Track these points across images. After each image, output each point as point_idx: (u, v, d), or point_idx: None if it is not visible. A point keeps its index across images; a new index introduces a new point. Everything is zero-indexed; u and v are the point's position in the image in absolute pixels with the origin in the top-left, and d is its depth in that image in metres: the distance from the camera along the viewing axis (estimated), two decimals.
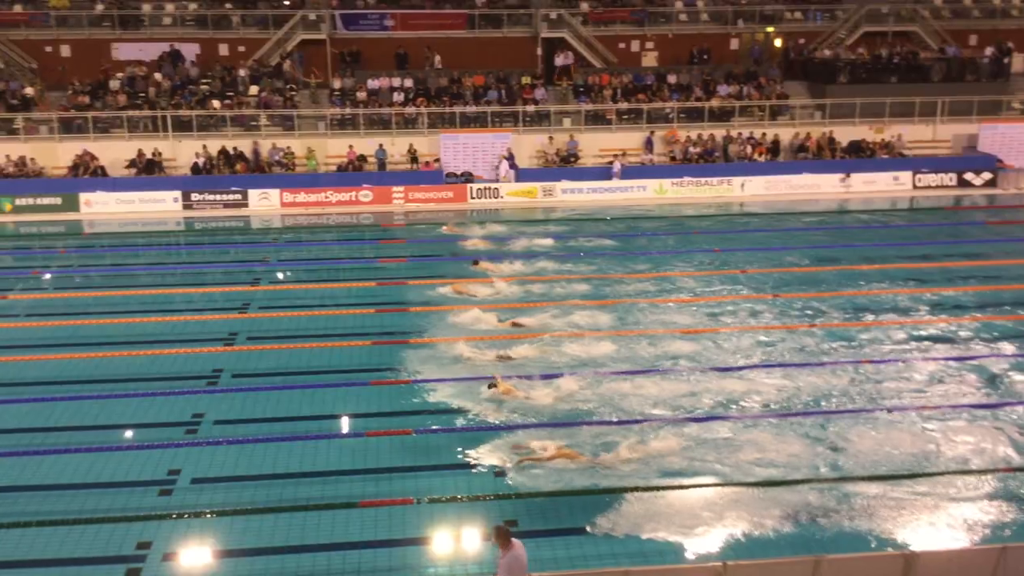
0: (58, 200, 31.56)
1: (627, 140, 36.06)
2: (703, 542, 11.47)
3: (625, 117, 36.76)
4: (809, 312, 20.39)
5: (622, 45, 40.05)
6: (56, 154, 33.59)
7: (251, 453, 14.01)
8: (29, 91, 34.89)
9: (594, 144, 35.94)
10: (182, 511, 12.38)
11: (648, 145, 35.82)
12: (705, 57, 40.09)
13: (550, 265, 24.30)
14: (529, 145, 35.86)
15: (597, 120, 36.61)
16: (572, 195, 33.67)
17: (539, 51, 38.99)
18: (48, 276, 24.71)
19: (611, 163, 34.59)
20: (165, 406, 15.74)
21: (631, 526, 11.78)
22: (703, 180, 34.36)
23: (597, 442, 14.00)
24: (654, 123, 36.53)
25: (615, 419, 14.85)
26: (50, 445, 14.22)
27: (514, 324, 19.26)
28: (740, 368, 17.06)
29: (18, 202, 31.41)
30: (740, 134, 36.36)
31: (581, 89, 37.55)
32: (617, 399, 15.60)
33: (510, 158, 34.18)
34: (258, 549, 11.52)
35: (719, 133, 36.34)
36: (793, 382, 16.34)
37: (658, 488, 12.69)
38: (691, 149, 35.83)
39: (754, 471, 13.21)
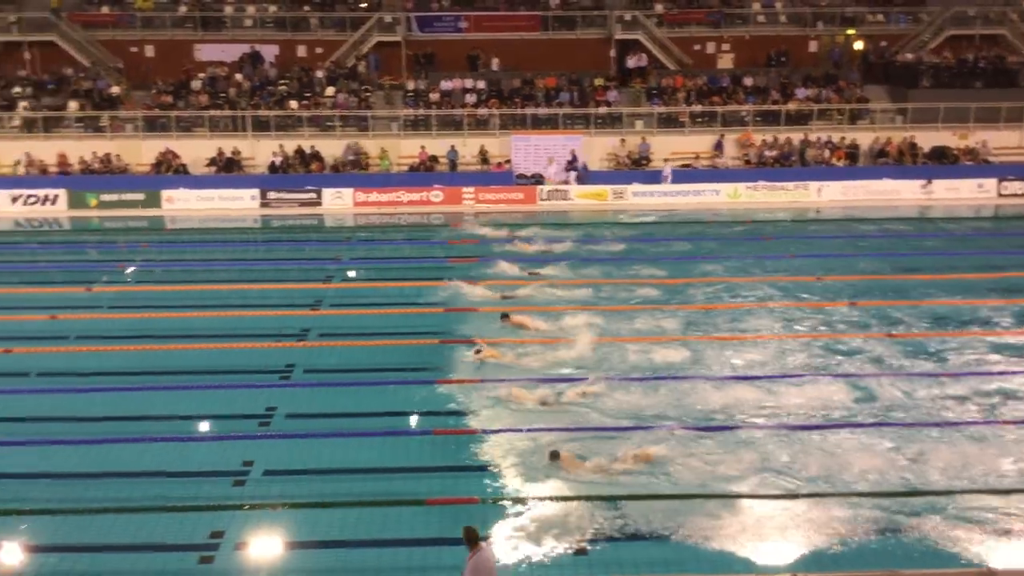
0: (141, 196, 32.56)
1: (700, 143, 35.68)
2: (775, 553, 11.23)
3: (699, 120, 36.36)
4: (887, 321, 19.84)
5: (697, 47, 39.62)
6: (140, 152, 34.65)
7: (320, 447, 14.21)
8: (115, 90, 36.05)
9: (666, 147, 35.61)
10: (254, 502, 12.61)
11: (718, 148, 35.34)
12: (783, 59, 39.39)
13: (614, 269, 24.13)
14: (600, 147, 35.72)
15: (670, 123, 36.29)
16: (643, 198, 33.44)
17: (612, 53, 38.80)
18: (131, 270, 25.48)
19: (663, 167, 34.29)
20: (240, 398, 16.07)
21: (711, 533, 11.59)
22: (778, 184, 33.79)
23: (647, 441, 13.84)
24: (728, 126, 36.08)
25: (693, 424, 14.66)
26: (130, 433, 14.63)
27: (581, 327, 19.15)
28: (812, 376, 16.67)
29: (103, 198, 32.49)
30: (818, 138, 35.64)
31: (654, 91, 37.24)
32: (689, 404, 15.41)
33: (573, 159, 34.02)
34: (326, 542, 11.66)
35: (796, 137, 35.66)
36: (868, 393, 15.90)
37: (736, 496, 12.48)
38: (766, 153, 35.25)
39: (828, 482, 12.89)
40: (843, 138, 35.72)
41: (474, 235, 28.55)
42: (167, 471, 13.48)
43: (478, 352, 16.35)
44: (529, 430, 14.43)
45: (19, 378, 17.07)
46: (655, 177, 34.24)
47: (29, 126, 34.98)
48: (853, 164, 35.46)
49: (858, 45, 40.38)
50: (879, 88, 38.44)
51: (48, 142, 34.54)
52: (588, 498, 12.47)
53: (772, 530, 11.72)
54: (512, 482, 13.02)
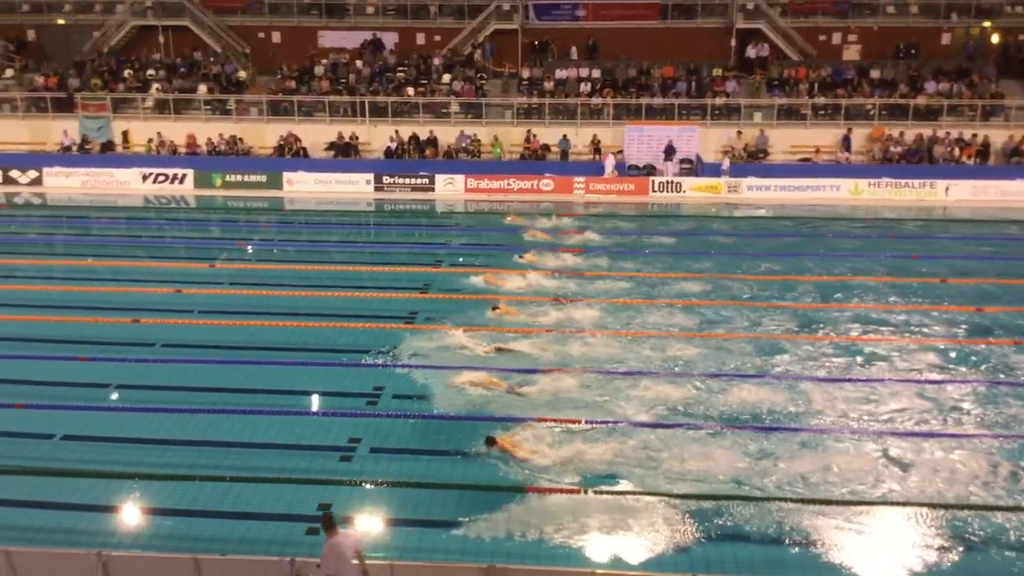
0: (263, 178, 33.71)
1: (822, 136, 34.54)
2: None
3: (821, 113, 35.17)
4: (1015, 329, 18.80)
5: (822, 37, 38.30)
6: (264, 135, 35.86)
7: (425, 428, 14.41)
8: (242, 75, 37.35)
9: (785, 140, 34.63)
10: (360, 478, 12.90)
11: (845, 143, 34.12)
12: (912, 52, 37.70)
13: (728, 262, 23.67)
14: (716, 139, 35.00)
15: (790, 115, 35.26)
16: (759, 192, 32.61)
17: (733, 42, 37.90)
18: (251, 248, 26.41)
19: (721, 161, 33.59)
20: (348, 377, 16.45)
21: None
22: (903, 182, 32.44)
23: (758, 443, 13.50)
24: (853, 120, 34.78)
25: (806, 426, 14.28)
26: (244, 405, 15.19)
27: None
28: (934, 382, 15.96)
29: (227, 178, 33.78)
30: (947, 134, 34.02)
31: (775, 82, 36.22)
32: (797, 404, 15.00)
33: (673, 152, 33.33)
34: (426, 521, 11.83)
35: (924, 132, 34.12)
36: (995, 402, 15.13)
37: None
38: (892, 148, 33.85)
39: (949, 491, 12.35)
40: (974, 135, 33.98)
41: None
42: (279, 444, 13.93)
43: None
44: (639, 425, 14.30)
45: (145, 348, 17.93)
46: (769, 171, 33.36)
47: (161, 108, 36.62)
48: (984, 163, 33.70)
49: (995, 38, 38.27)
50: (1016, 83, 36.37)
51: (178, 123, 36.10)
52: (690, 497, 12.27)
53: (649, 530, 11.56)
54: (619, 473, 12.93)
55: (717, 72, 36.86)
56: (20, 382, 16.07)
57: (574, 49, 38.43)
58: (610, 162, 33.68)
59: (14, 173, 33.95)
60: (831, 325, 19.12)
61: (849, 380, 16.16)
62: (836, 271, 23.14)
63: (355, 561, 9.65)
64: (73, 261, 24.99)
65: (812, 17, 38.47)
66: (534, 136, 34.90)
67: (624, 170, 33.91)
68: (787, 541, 11.36)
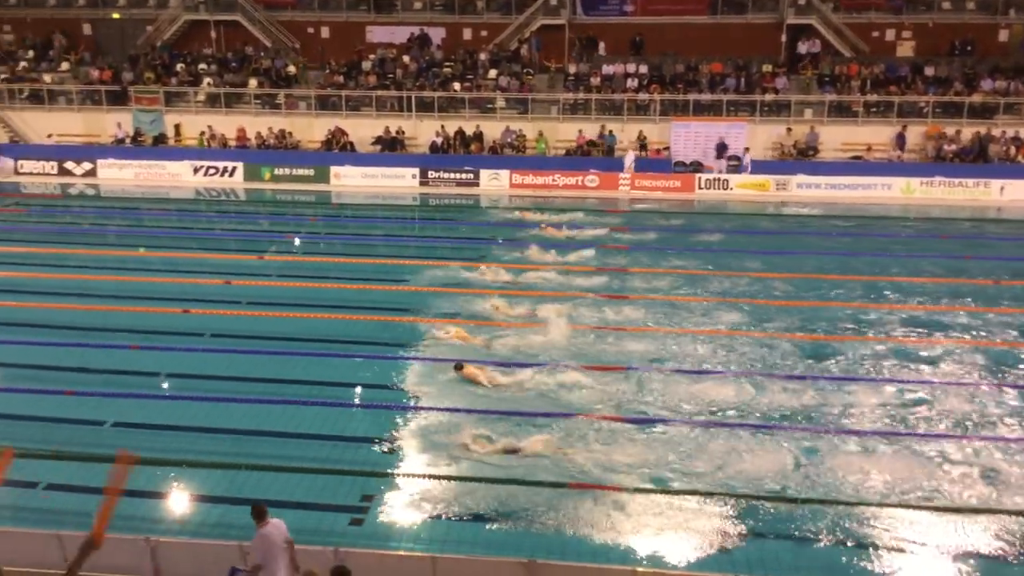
0: (311, 172, 34.05)
1: (874, 134, 33.95)
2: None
3: (873, 110, 34.57)
4: None
5: (875, 33, 37.59)
6: (312, 129, 36.21)
7: (463, 421, 14.43)
8: (291, 69, 37.75)
9: (836, 137, 34.12)
10: (403, 470, 12.99)
11: (900, 141, 33.50)
12: (968, 49, 36.83)
13: (755, 263, 23.42)
14: (765, 136, 34.60)
15: (841, 112, 34.69)
16: (808, 190, 32.17)
17: (783, 38, 37.38)
18: (298, 241, 26.70)
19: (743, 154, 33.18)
20: (391, 369, 16.55)
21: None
22: (956, 181, 31.78)
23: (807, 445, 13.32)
24: (906, 117, 34.13)
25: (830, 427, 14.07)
26: (290, 395, 15.37)
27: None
28: (988, 385, 15.62)
29: (276, 171, 34.17)
30: (1003, 133, 33.24)
31: (826, 79, 35.68)
32: (845, 405, 14.80)
33: (724, 147, 32.98)
34: (467, 515, 11.87)
35: (979, 131, 33.38)
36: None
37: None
38: (945, 147, 33.18)
39: (1005, 497, 12.10)
40: None
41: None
42: (323, 434, 14.08)
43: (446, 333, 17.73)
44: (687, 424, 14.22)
45: (195, 337, 18.22)
46: (820, 168, 32.89)
47: (212, 101, 37.16)
48: None
49: None
50: None
51: (228, 117, 36.60)
52: (739, 496, 12.17)
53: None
54: (659, 474, 12.84)
55: (767, 68, 36.39)
56: (72, 369, 16.45)
57: (621, 44, 38.20)
58: (629, 157, 33.48)
59: (69, 164, 34.71)
60: (880, 326, 18.82)
61: (900, 381, 15.89)
62: (887, 271, 22.77)
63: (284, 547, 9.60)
64: (125, 251, 25.48)
65: (865, 13, 37.79)
66: (580, 132, 34.81)
67: (670, 166, 33.65)
68: (833, 544, 11.21)
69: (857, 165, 33.26)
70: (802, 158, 33.81)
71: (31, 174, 34.67)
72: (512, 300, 19.93)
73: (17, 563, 9.01)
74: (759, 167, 33.17)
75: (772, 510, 11.93)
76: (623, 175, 33.01)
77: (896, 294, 20.90)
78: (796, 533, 11.46)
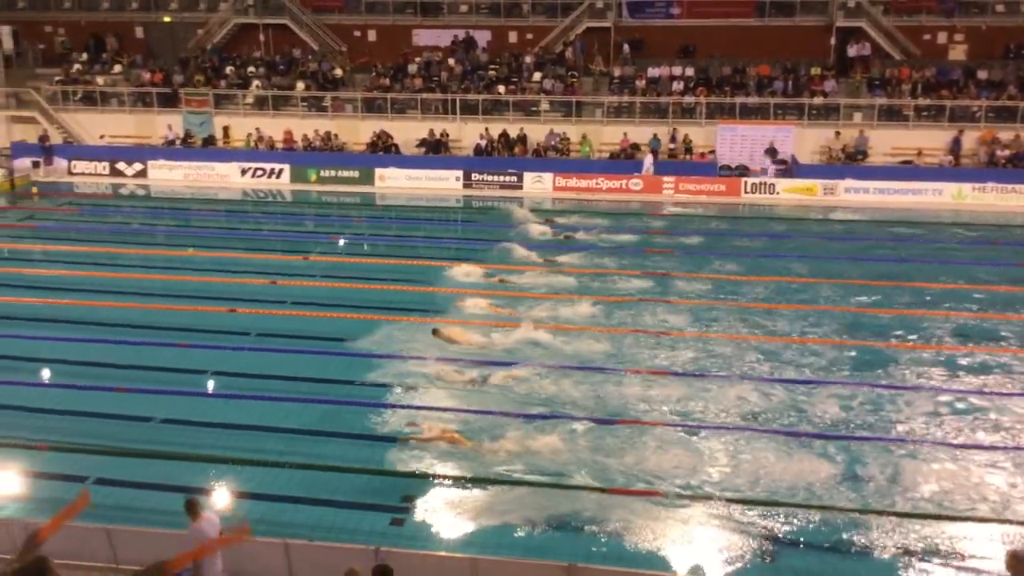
0: (356, 173, 34.34)
1: (925, 138, 33.33)
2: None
3: (924, 114, 33.95)
4: None
5: (927, 36, 36.92)
6: (357, 131, 36.53)
7: (506, 425, 14.44)
8: (338, 72, 38.11)
9: (886, 142, 33.57)
10: (443, 473, 13.03)
11: (955, 146, 32.85)
12: (1023, 52, 36.01)
13: (807, 268, 23.12)
14: (812, 140, 34.17)
15: (891, 116, 34.13)
16: (856, 195, 31.69)
17: (832, 41, 36.88)
18: (343, 242, 26.93)
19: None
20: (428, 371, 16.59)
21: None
22: (1010, 187, 31.08)
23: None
24: (958, 121, 33.46)
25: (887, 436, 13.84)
26: (334, 395, 15.49)
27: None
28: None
29: (322, 173, 34.52)
30: None
31: (876, 82, 35.13)
32: (893, 412, 14.55)
33: (774, 151, 32.63)
34: (507, 518, 11.87)
35: None
36: None
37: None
38: (998, 152, 32.48)
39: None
40: None
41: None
42: (367, 434, 14.18)
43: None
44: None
45: (240, 336, 18.47)
46: (869, 172, 32.40)
47: (260, 104, 37.65)
48: None
49: None
50: None
51: (276, 119, 37.05)
52: (785, 505, 12.03)
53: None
54: (712, 481, 12.74)
55: (815, 71, 35.93)
56: (122, 367, 16.75)
57: (667, 47, 37.99)
58: (648, 160, 33.27)
59: (121, 165, 35.38)
60: (930, 333, 18.48)
61: (949, 391, 15.59)
62: (936, 278, 22.34)
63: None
64: (174, 251, 25.91)
65: (916, 16, 37.12)
66: (624, 135, 34.66)
67: (716, 170, 33.36)
68: (879, 557, 11.03)
69: (907, 170, 32.69)
70: (851, 162, 33.33)
71: (84, 174, 35.41)
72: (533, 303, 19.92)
73: (65, 556, 9.19)
74: (807, 171, 32.75)
75: (816, 519, 11.76)
76: (641, 176, 32.87)
77: (946, 301, 20.50)
78: (842, 544, 11.28)
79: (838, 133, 33.84)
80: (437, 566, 10.17)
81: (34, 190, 33.20)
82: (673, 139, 34.36)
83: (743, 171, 33.29)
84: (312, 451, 13.73)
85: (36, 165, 35.28)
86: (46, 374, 16.97)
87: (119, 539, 10.36)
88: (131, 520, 11.29)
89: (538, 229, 26.77)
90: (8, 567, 6.37)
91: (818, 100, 34.69)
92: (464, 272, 22.30)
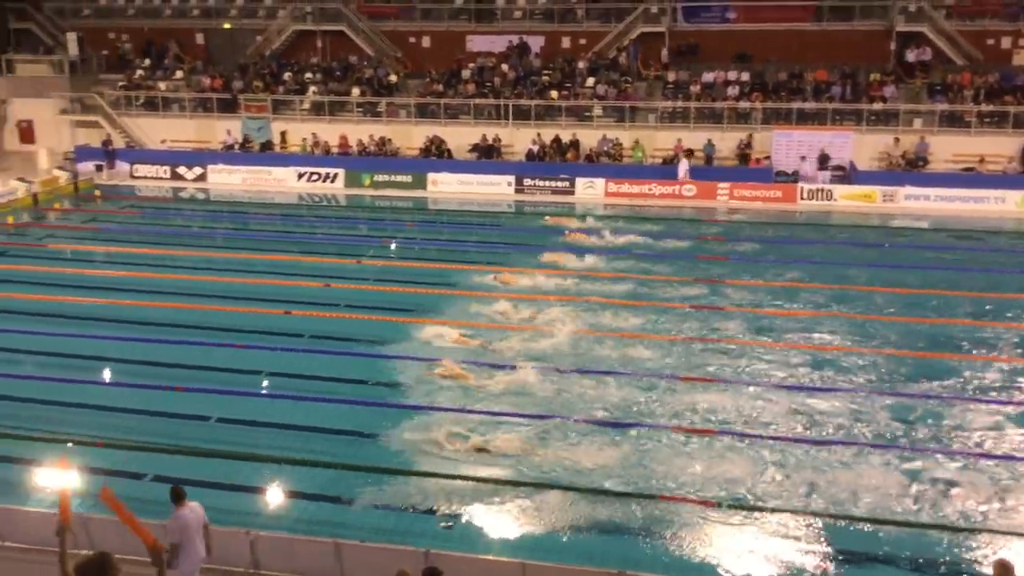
0: (409, 178, 34.62)
1: (988, 145, 32.51)
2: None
3: (987, 120, 33.15)
4: None
5: (990, 41, 36.02)
6: (411, 136, 36.83)
7: (558, 428, 14.43)
8: (392, 78, 38.49)
9: (947, 148, 32.81)
10: (492, 476, 13.07)
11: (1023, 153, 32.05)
12: None
13: (864, 276, 22.71)
14: (871, 146, 33.55)
15: (953, 122, 33.36)
16: (917, 202, 30.99)
17: (892, 45, 36.20)
18: (394, 246, 27.16)
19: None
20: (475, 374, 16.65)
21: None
22: None
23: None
24: (1022, 128, 32.58)
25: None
26: (387, 398, 15.61)
27: None
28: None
29: (376, 178, 34.86)
30: None
31: (937, 88, 34.38)
32: (949, 424, 14.22)
33: (827, 161, 32.06)
34: (556, 524, 11.88)
35: None
36: None
37: None
38: None
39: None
40: None
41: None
42: (417, 438, 14.26)
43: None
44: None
45: (295, 338, 18.74)
46: (930, 179, 31.72)
47: (317, 109, 38.16)
48: None
49: None
50: None
51: (332, 125, 37.52)
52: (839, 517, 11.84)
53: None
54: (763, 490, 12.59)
55: (875, 76, 35.28)
56: (181, 366, 17.11)
57: (723, 52, 37.66)
58: (683, 166, 32.98)
59: (181, 169, 36.12)
60: (990, 344, 18.06)
61: (1008, 403, 15.21)
62: (998, 287, 21.79)
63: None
64: (232, 253, 26.38)
65: (979, 20, 36.25)
66: (679, 140, 34.42)
67: (771, 176, 32.96)
68: (929, 570, 10.80)
69: (969, 177, 31.94)
70: (911, 169, 32.66)
71: (145, 178, 36.22)
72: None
73: (123, 551, 9.40)
74: (865, 178, 32.19)
75: (868, 532, 11.56)
76: (692, 182, 32.69)
77: (1008, 311, 19.99)
78: (895, 558, 11.07)
79: (897, 139, 33.19)
80: (486, 570, 10.20)
81: (97, 193, 34.08)
82: (748, 145, 33.86)
83: (799, 177, 32.81)
84: (364, 452, 13.87)
85: (99, 168, 36.19)
86: (107, 373, 17.41)
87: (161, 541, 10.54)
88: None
89: (579, 236, 26.77)
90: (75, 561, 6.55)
91: (877, 106, 34.08)
92: (501, 280, 22.34)
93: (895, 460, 13.30)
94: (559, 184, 33.57)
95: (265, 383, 16.75)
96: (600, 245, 26.01)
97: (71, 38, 41.01)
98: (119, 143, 37.80)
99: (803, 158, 32.75)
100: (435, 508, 12.30)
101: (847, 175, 32.65)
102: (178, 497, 9.76)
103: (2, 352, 18.09)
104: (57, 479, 12.64)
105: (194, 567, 9.65)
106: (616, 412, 15.04)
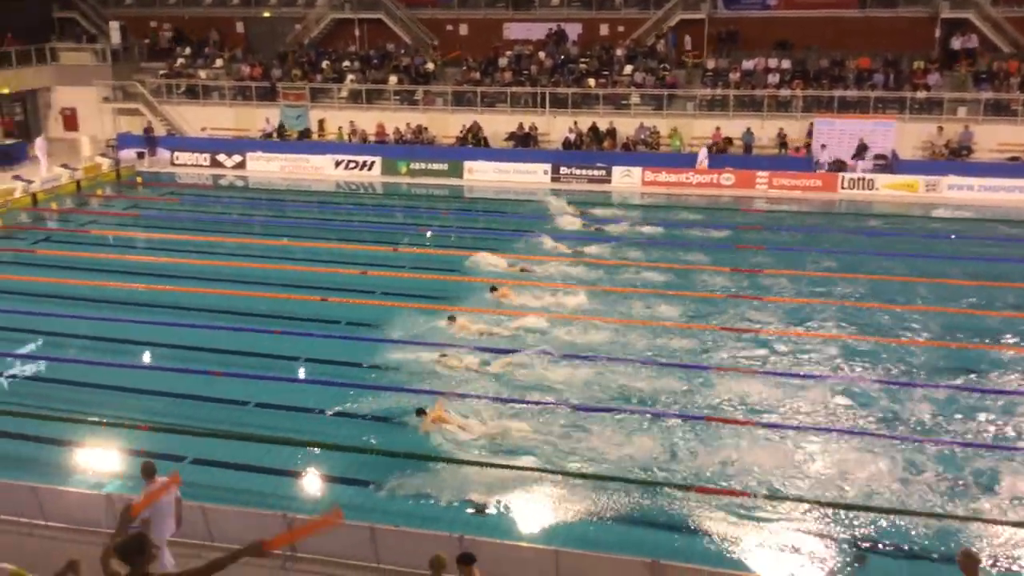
0: (445, 166, 34.66)
1: None
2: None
3: None
4: None
5: None
6: (448, 124, 36.85)
7: (600, 420, 14.42)
8: (430, 66, 38.51)
9: (992, 137, 32.16)
10: (526, 464, 13.07)
11: None
12: None
13: (905, 267, 22.33)
14: (914, 135, 32.97)
15: (998, 110, 32.67)
16: (960, 192, 30.42)
17: (937, 32, 35.51)
18: (430, 234, 27.21)
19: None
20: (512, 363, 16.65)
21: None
22: None
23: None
24: None
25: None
26: (425, 385, 15.67)
27: None
28: None
29: (412, 166, 34.95)
30: None
31: (983, 75, 33.68)
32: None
33: (865, 151, 31.55)
34: (589, 513, 11.88)
35: None
36: None
37: None
38: None
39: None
40: None
41: None
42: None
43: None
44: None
45: (332, 324, 18.89)
46: (974, 169, 31.11)
47: (354, 97, 38.31)
48: None
49: None
50: None
51: (369, 113, 37.65)
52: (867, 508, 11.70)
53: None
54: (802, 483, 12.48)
55: (918, 64, 34.64)
56: (220, 351, 17.34)
57: (763, 39, 37.20)
58: (703, 154, 32.69)
59: (221, 157, 36.48)
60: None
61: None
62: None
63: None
64: (270, 240, 26.62)
65: None
66: (717, 129, 34.10)
67: (811, 165, 32.54)
68: None
69: (1015, 167, 31.28)
70: (954, 158, 32.06)
71: (186, 165, 36.64)
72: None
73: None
74: (908, 167, 31.66)
75: (908, 525, 11.42)
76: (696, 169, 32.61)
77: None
78: (934, 551, 10.91)
79: (941, 128, 32.58)
80: (519, 557, 10.22)
81: (139, 180, 34.55)
82: (745, 132, 33.53)
83: (840, 166, 32.36)
84: (399, 438, 13.94)
85: (141, 156, 36.68)
86: (148, 357, 17.68)
87: (213, 517, 10.72)
88: (225, 499, 11.67)
89: (571, 220, 27.21)
90: (111, 541, 6.67)
91: (921, 94, 33.46)
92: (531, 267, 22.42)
93: (933, 452, 13.12)
94: (595, 173, 33.41)
95: (301, 370, 16.90)
96: (635, 233, 25.88)
97: (113, 27, 41.53)
98: (160, 131, 38.27)
99: (823, 146, 32.26)
100: (468, 495, 12.34)
101: (889, 164, 32.14)
102: (149, 472, 10.00)
103: (46, 336, 18.44)
104: (115, 459, 12.94)
105: (162, 540, 9.82)
106: (650, 401, 14.98)
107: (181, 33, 42.89)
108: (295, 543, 9.15)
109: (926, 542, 11.15)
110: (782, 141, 33.52)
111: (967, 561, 8.28)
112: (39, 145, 33.50)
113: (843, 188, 31.47)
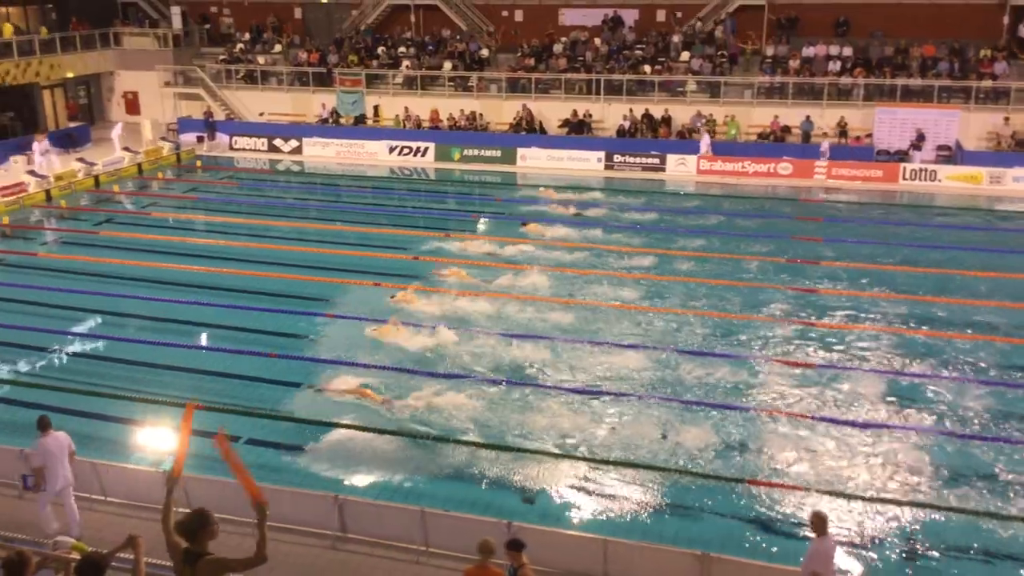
0: (498, 153, 34.64)
1: None
2: None
3: None
4: None
5: None
6: (501, 110, 36.81)
7: (646, 411, 14.33)
8: (484, 52, 38.47)
9: None
10: (576, 454, 13.07)
11: None
12: None
13: (967, 260, 21.76)
14: (979, 125, 32.10)
15: None
16: None
17: (1006, 20, 34.44)
18: (482, 222, 27.20)
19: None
20: (574, 353, 16.63)
21: None
22: None
23: None
24: None
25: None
26: (473, 372, 15.72)
27: None
28: None
29: (465, 152, 34.99)
30: None
31: None
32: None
33: (922, 141, 30.71)
34: (638, 503, 11.82)
35: None
36: None
37: None
38: None
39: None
40: None
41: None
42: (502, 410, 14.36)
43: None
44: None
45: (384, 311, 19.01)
46: None
47: (409, 84, 38.47)
48: None
49: None
50: None
51: (424, 99, 37.78)
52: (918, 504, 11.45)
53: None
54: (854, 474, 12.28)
55: (985, 52, 33.65)
56: (274, 333, 17.60)
57: (824, 25, 36.43)
58: (705, 141, 32.25)
59: (278, 142, 36.92)
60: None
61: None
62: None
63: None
64: (324, 225, 26.86)
65: None
66: (775, 117, 33.54)
67: (873, 155, 31.85)
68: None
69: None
70: (1020, 150, 31.10)
71: (244, 149, 37.14)
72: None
73: (219, 510, 9.75)
74: (972, 158, 30.82)
75: (960, 523, 11.18)
76: (700, 156, 32.32)
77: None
78: (984, 550, 10.66)
79: (1007, 118, 31.64)
80: (567, 544, 10.23)
81: (198, 163, 35.13)
82: (804, 121, 32.89)
83: (902, 156, 31.63)
84: (452, 424, 14.00)
85: (200, 140, 37.29)
86: (204, 338, 18.01)
87: (267, 497, 10.86)
88: (278, 480, 11.85)
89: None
90: (166, 511, 6.84)
91: (987, 83, 32.51)
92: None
93: (992, 451, 12.81)
94: (650, 161, 33.12)
95: (352, 352, 17.06)
96: (688, 224, 25.62)
97: (175, 12, 42.26)
98: (219, 115, 38.84)
99: (917, 137, 31.50)
100: (516, 483, 12.36)
101: (953, 155, 31.32)
102: (43, 426, 10.61)
103: (107, 315, 18.90)
104: (171, 436, 13.21)
105: (61, 488, 10.68)
106: (703, 393, 14.85)
107: (240, 19, 43.43)
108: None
109: (980, 541, 10.90)
110: (842, 130, 32.85)
111: (817, 521, 8.98)
112: (116, 131, 34.26)
113: (904, 179, 30.75)
